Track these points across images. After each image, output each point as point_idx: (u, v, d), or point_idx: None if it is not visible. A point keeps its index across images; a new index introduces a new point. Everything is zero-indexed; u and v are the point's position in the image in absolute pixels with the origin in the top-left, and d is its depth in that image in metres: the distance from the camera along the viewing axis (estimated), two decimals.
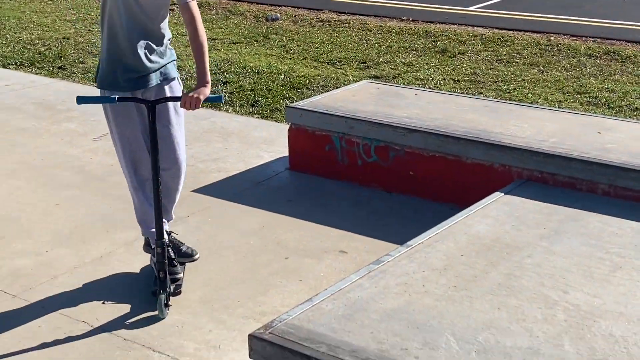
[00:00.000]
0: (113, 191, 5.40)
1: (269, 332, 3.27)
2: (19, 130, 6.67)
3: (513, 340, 3.17)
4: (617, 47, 9.12)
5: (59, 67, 8.75)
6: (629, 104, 7.10)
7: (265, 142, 6.28)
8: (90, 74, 8.41)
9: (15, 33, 10.30)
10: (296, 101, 5.98)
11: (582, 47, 9.14)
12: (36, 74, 8.58)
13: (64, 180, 5.64)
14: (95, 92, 7.05)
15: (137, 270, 4.38)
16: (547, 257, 3.81)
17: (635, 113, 6.78)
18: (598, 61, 8.59)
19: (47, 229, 4.88)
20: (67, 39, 9.99)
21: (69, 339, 3.74)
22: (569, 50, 9.05)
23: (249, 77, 8.09)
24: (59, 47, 9.52)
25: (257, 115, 7.05)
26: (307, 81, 7.96)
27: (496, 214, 4.29)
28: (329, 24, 10.67)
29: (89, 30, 10.49)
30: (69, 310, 3.98)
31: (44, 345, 3.69)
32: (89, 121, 6.84)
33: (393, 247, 4.03)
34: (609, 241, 3.96)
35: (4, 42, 9.84)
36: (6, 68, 8.77)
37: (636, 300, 3.44)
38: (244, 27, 10.58)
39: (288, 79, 8.03)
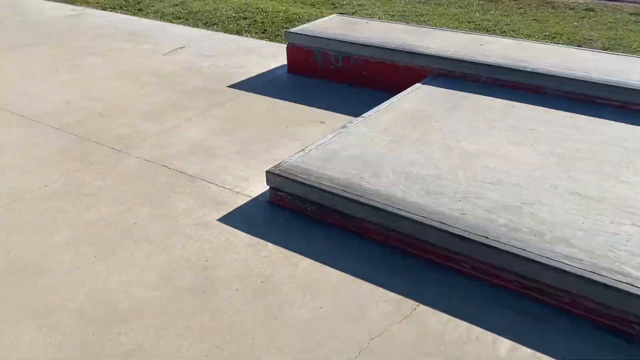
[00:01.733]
0: (178, 86, 5.31)
1: (278, 169, 3.29)
2: (116, 50, 6.46)
3: (427, 171, 3.20)
4: None
5: (139, 9, 8.41)
6: (499, 28, 6.96)
7: (272, 55, 6.13)
8: (158, 14, 8.09)
9: None
10: (291, 29, 5.79)
11: None
12: (124, 13, 8.25)
13: (146, 80, 5.51)
14: (167, 25, 6.86)
15: (195, 135, 4.34)
16: (447, 121, 3.81)
17: (503, 34, 6.64)
18: (481, 2, 8.34)
19: (137, 110, 4.81)
20: None
21: (155, 176, 3.76)
22: None
23: (260, 15, 7.81)
24: None
25: (267, 39, 6.87)
26: (297, 17, 7.70)
27: (417, 96, 4.26)
28: None
29: None
30: (154, 157, 3.98)
31: (136, 180, 3.72)
32: (159, 43, 6.63)
33: (353, 119, 4.01)
34: (486, 111, 3.96)
35: None
36: (104, 10, 8.42)
37: (501, 146, 3.48)
38: None
39: (285, 16, 7.76)
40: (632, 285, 2.29)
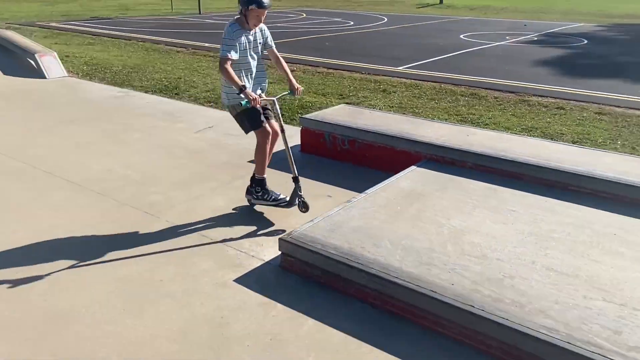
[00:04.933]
0: (205, 160, 5.40)
1: (289, 237, 3.30)
2: (154, 127, 6.62)
3: (420, 244, 3.19)
4: (476, 91, 9.09)
5: (175, 93, 8.67)
6: (482, 121, 7.10)
7: (289, 137, 6.24)
8: (192, 98, 8.33)
9: (150, 74, 10.17)
10: (305, 115, 5.93)
11: (458, 91, 9.11)
12: (163, 96, 8.50)
13: (178, 154, 5.61)
14: (200, 108, 7.03)
15: (219, 204, 4.37)
16: (439, 201, 3.83)
17: (486, 126, 6.75)
18: (466, 98, 8.55)
19: (169, 180, 4.87)
20: (180, 78, 9.87)
21: (181, 238, 3.76)
22: (451, 92, 9.01)
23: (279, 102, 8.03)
24: (175, 82, 9.42)
25: (284, 123, 7.00)
26: (310, 104, 7.91)
27: (412, 177, 4.31)
28: (322, 74, 10.57)
29: (191, 73, 10.36)
30: (181, 222, 3.99)
31: (164, 241, 3.72)
32: (192, 123, 6.80)
33: (357, 194, 4.04)
34: (471, 193, 3.98)
35: (144, 79, 9.72)
36: (146, 93, 8.69)
37: (485, 224, 3.47)
38: (277, 75, 10.41)
39: (300, 103, 7.97)
40: (605, 357, 2.24)
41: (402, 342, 2.67)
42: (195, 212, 4.19)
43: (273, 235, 3.74)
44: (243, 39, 3.73)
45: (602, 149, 5.53)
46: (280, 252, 3.36)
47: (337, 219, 3.51)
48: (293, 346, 2.63)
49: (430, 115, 7.34)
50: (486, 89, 9.27)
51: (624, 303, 2.60)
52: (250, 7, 3.61)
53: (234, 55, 3.64)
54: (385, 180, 4.20)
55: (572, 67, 11.73)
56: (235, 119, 4.02)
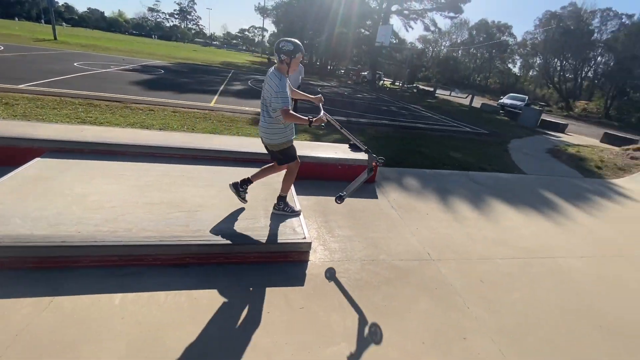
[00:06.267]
0: None
1: None
2: None
3: (49, 212, 2.64)
4: (91, 101, 7.78)
5: None
6: (99, 121, 6.19)
7: None
8: None
9: None
10: None
11: (77, 101, 7.54)
12: None
13: None
14: None
15: None
16: (63, 179, 3.18)
17: (102, 124, 5.92)
18: (84, 107, 7.20)
19: None
20: None
21: None
22: (71, 102, 7.37)
23: None
24: None
25: None
26: None
27: (38, 166, 3.38)
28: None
29: None
30: None
31: None
32: None
33: None
34: (89, 169, 3.48)
35: None
36: None
37: (101, 187, 3.13)
38: None
39: None
40: (182, 239, 2.47)
41: (43, 285, 2.22)
42: None
43: None
44: (289, 84, 2.65)
45: (176, 131, 5.77)
46: None
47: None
48: None
49: (54, 120, 5.82)
50: (101, 100, 8.00)
51: (188, 210, 2.90)
52: (297, 55, 2.57)
53: (289, 105, 2.55)
54: (10, 172, 3.17)
55: (154, 84, 11.43)
56: (279, 153, 2.81)
